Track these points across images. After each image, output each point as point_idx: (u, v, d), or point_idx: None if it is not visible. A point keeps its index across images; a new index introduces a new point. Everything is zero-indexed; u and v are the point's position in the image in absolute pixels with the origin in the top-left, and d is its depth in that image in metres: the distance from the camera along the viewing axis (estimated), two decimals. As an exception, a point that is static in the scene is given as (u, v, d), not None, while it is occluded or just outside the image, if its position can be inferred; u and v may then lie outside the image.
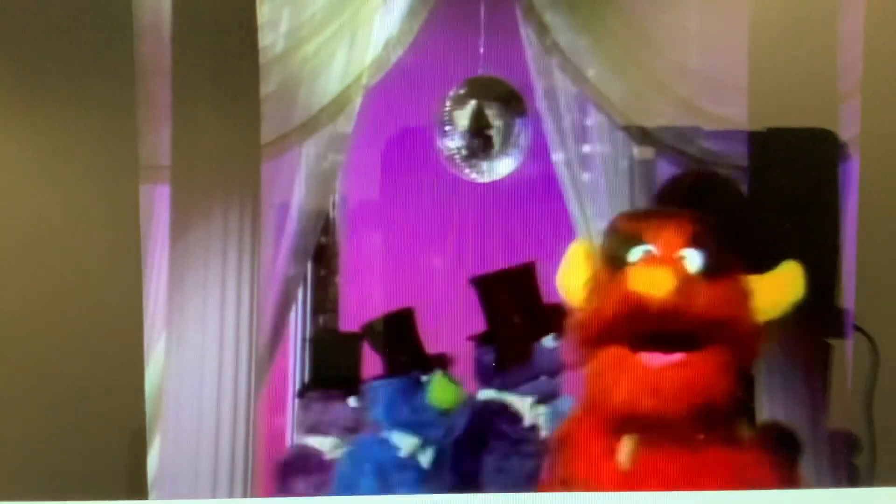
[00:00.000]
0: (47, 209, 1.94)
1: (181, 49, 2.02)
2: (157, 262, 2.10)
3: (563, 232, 2.21)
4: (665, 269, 1.69)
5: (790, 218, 2.02)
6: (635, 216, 1.88)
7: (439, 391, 2.14)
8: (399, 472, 2.13)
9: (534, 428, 2.11)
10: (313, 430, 2.22)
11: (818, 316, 1.99)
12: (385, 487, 2.11)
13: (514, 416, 2.13)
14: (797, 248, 1.99)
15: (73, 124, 1.95)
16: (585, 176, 2.22)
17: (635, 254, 1.75)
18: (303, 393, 2.31)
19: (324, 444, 2.21)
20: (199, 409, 2.06)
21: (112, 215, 1.97)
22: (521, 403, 2.13)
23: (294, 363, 2.37)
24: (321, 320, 2.37)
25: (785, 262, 1.77)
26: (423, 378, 2.16)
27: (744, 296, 1.74)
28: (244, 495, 2.08)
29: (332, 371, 2.28)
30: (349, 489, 2.12)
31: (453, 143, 2.11)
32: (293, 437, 2.34)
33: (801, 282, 1.75)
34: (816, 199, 2.03)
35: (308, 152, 2.19)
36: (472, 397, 2.18)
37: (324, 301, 2.35)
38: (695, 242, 1.74)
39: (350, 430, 2.22)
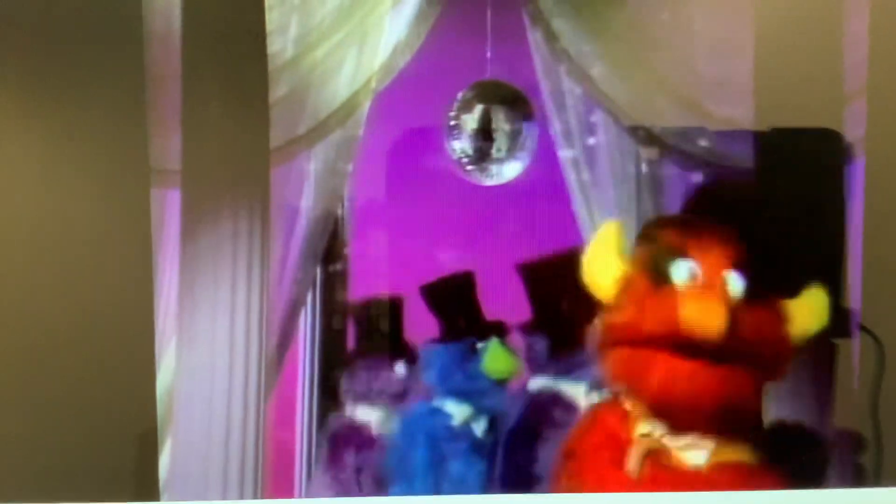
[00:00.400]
0: (57, 214, 1.95)
1: (191, 54, 2.03)
2: (168, 267, 2.11)
3: (570, 234, 2.21)
4: (718, 302, 1.68)
5: (796, 218, 2.03)
6: (676, 225, 1.86)
7: (494, 359, 2.12)
8: (452, 441, 2.11)
9: None
10: (361, 399, 2.21)
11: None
12: (438, 457, 2.10)
13: (568, 405, 2.11)
14: (803, 247, 2.01)
15: (82, 129, 1.96)
16: (592, 178, 2.23)
17: (680, 270, 1.73)
18: (349, 361, 2.29)
19: (371, 416, 2.20)
20: (210, 411, 2.07)
21: (123, 219, 1.98)
22: (575, 391, 2.11)
23: (304, 365, 2.38)
24: (331, 322, 2.37)
25: (813, 287, 1.78)
26: (479, 345, 2.14)
27: (782, 321, 1.74)
28: (254, 497, 2.09)
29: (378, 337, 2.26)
30: (401, 460, 2.12)
31: (461, 146, 2.12)
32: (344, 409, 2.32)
33: (827, 308, 1.76)
34: (822, 200, 2.03)
35: (317, 156, 2.20)
36: (523, 386, 2.15)
37: (332, 303, 2.35)
38: (738, 264, 1.74)
39: (398, 397, 2.20)
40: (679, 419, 1.72)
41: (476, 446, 2.12)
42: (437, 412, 2.14)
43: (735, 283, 1.71)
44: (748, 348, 1.68)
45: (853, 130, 2.05)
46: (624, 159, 2.24)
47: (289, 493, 2.26)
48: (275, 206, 2.11)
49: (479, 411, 2.13)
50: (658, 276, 1.73)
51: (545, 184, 2.20)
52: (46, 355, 1.92)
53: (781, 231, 2.02)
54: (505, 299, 2.17)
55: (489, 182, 2.13)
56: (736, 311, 1.66)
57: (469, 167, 2.12)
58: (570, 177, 2.23)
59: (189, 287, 2.06)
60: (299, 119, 2.15)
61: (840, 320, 1.99)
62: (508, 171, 2.14)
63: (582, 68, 2.20)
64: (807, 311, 1.76)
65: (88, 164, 1.96)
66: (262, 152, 2.07)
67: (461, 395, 2.13)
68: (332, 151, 2.19)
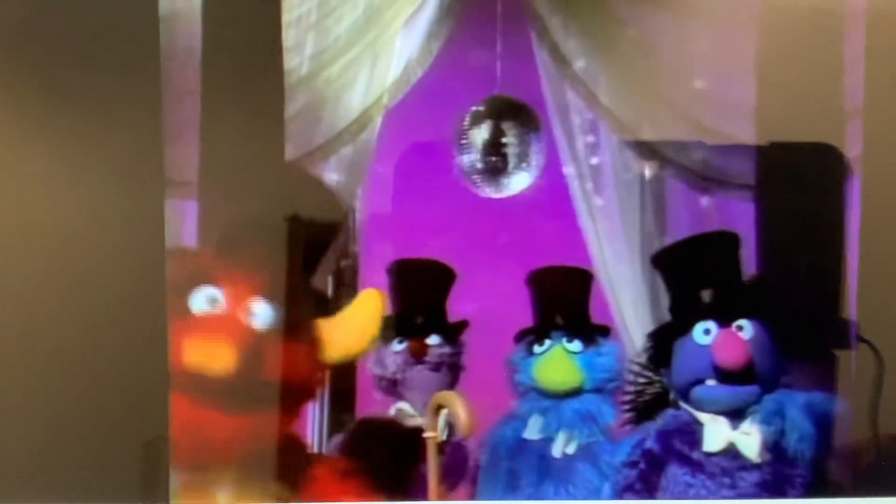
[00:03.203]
0: (73, 223, 1.95)
1: (210, 71, 2.06)
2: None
3: (576, 246, 2.25)
4: (226, 343, 1.59)
5: (797, 232, 2.07)
6: (204, 250, 1.80)
7: (551, 368, 2.10)
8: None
9: None
10: None
11: (824, 327, 2.04)
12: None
13: None
14: (803, 260, 2.04)
15: (100, 141, 1.98)
16: (596, 192, 2.28)
17: (199, 298, 1.67)
18: None
19: None
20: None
21: (139, 229, 1.98)
22: None
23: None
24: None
25: (365, 292, 1.76)
26: (537, 348, 2.11)
27: (313, 348, 1.68)
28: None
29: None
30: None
31: (470, 159, 2.16)
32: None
33: (378, 309, 1.72)
34: (822, 214, 2.07)
35: (331, 169, 2.24)
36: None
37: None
38: (268, 292, 1.66)
39: None
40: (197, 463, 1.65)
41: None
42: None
43: (261, 314, 1.63)
44: (268, 389, 1.61)
45: (853, 148, 2.07)
46: (627, 173, 2.28)
47: None
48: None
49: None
50: (179, 305, 1.64)
51: (551, 196, 2.24)
52: (56, 365, 1.88)
53: (782, 244, 2.06)
54: (509, 307, 2.19)
55: (498, 195, 2.17)
56: (257, 347, 1.59)
57: (478, 180, 2.16)
58: (575, 190, 2.28)
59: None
60: (314, 133, 2.20)
61: (840, 332, 2.01)
62: (516, 183, 2.17)
63: (587, 86, 2.25)
64: (343, 330, 1.71)
65: (106, 175, 1.97)
66: (279, 164, 2.10)
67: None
68: (346, 164, 2.23)
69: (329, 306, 1.85)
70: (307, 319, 1.70)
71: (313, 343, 1.67)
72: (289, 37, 2.15)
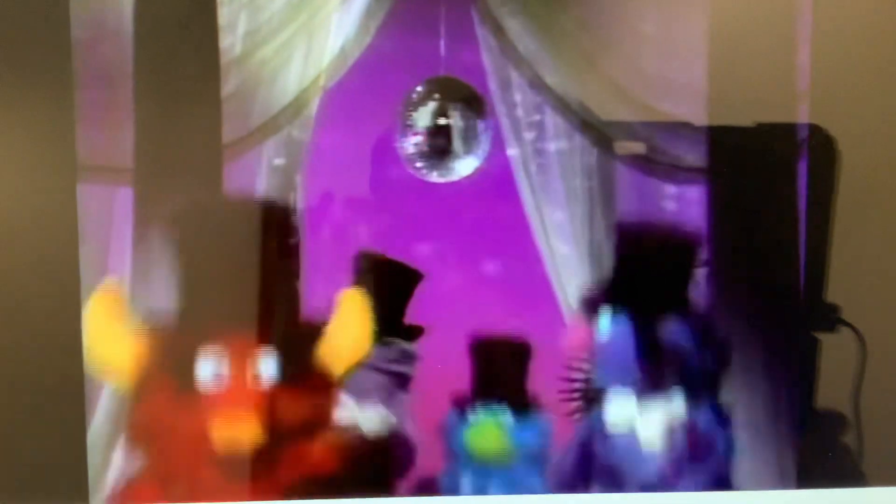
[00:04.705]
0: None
1: (142, 51, 2.00)
2: (119, 263, 2.07)
3: (520, 232, 2.21)
4: (250, 411, 1.59)
5: (753, 216, 2.04)
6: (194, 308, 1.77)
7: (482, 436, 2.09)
8: None
9: None
10: None
11: (800, 310, 2.03)
12: None
13: None
14: (760, 243, 2.02)
15: (13, 124, 1.92)
16: (542, 177, 2.23)
17: (205, 370, 1.64)
18: None
19: None
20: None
21: (54, 216, 1.93)
22: None
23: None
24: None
25: (346, 294, 1.79)
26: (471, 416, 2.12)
27: (323, 379, 1.70)
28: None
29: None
30: None
31: (413, 142, 2.10)
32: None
33: (365, 305, 1.75)
34: (778, 197, 2.05)
35: (268, 154, 2.16)
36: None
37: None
38: (267, 338, 1.66)
39: None
40: None
41: None
42: None
43: (267, 368, 1.64)
44: (292, 437, 1.62)
45: (803, 128, 2.08)
46: (573, 157, 2.24)
47: None
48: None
49: None
50: (184, 377, 1.63)
51: (496, 182, 2.19)
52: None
53: (737, 229, 2.04)
54: (454, 301, 2.14)
55: (442, 179, 2.11)
56: (273, 401, 1.60)
57: (422, 164, 2.10)
58: (520, 175, 2.23)
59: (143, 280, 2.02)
60: (249, 116, 2.12)
61: (818, 314, 2.01)
62: (462, 168, 2.12)
63: (532, 67, 2.20)
64: (343, 341, 1.73)
65: (16, 158, 1.92)
66: (216, 148, 2.05)
67: None
68: (283, 148, 2.16)
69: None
70: (309, 349, 1.68)
71: (322, 373, 1.66)
72: (221, 14, 2.09)
